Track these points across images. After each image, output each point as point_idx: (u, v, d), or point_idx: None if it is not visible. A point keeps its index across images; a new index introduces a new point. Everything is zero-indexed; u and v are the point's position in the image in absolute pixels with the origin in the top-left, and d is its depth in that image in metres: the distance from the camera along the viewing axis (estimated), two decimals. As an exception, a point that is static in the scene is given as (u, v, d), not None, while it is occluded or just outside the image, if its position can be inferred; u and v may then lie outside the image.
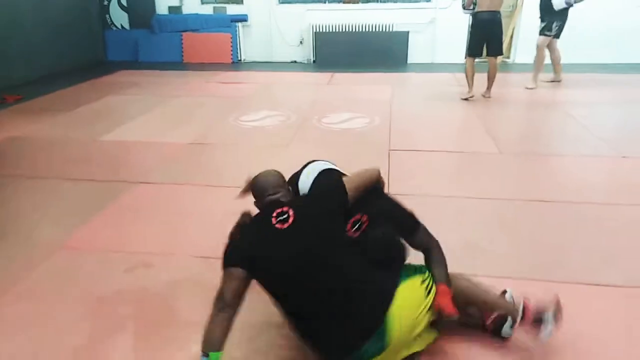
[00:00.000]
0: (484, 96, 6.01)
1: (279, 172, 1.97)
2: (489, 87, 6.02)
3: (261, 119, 5.32)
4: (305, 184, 2.00)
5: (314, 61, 9.12)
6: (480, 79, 5.94)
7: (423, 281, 1.76)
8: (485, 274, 2.22)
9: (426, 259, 1.90)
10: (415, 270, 1.81)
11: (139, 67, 8.64)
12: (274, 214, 1.74)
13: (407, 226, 1.91)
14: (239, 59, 9.24)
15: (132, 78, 7.63)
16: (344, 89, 6.91)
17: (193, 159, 4.15)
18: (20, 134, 4.79)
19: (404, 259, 1.89)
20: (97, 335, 2.02)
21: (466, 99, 5.93)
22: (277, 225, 1.71)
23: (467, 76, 5.91)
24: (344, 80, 7.49)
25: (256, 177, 1.93)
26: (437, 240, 1.93)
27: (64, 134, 4.84)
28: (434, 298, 1.72)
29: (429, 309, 1.70)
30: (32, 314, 2.16)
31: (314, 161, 2.13)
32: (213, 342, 1.61)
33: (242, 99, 6.23)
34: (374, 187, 1.92)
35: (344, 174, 2.01)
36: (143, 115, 5.48)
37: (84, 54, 8.86)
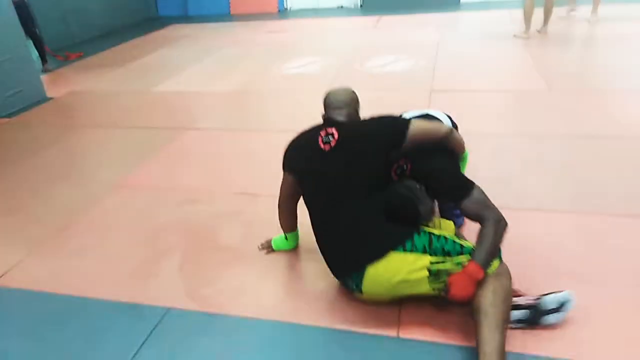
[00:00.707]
0: (538, 32, 5.65)
1: (351, 91, 1.97)
2: (545, 22, 5.63)
3: (304, 65, 5.36)
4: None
5: (361, 5, 8.87)
6: (538, 14, 5.58)
7: (431, 264, 1.62)
8: (510, 206, 2.24)
9: (478, 234, 1.67)
10: (435, 250, 1.64)
11: (188, 21, 8.82)
12: (322, 134, 1.82)
13: (455, 191, 1.73)
14: (285, 7, 9.16)
15: (182, 32, 7.84)
16: (389, 32, 6.74)
17: (238, 105, 4.31)
18: (82, 88, 5.15)
19: (415, 224, 1.72)
20: (151, 258, 2.27)
21: (520, 38, 5.61)
22: (322, 146, 1.80)
23: (524, 14, 5.54)
24: (391, 24, 7.27)
25: (329, 91, 1.99)
26: (495, 214, 1.67)
27: (121, 86, 5.15)
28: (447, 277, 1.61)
29: (414, 286, 1.65)
30: (95, 242, 2.45)
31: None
32: (284, 227, 2.14)
33: (287, 47, 6.26)
34: (441, 143, 1.84)
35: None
36: (192, 66, 5.67)
37: (137, 11, 9.14)
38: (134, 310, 1.95)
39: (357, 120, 1.94)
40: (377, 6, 8.45)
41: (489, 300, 1.54)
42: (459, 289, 1.58)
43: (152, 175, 3.12)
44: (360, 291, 1.73)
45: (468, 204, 1.69)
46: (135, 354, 1.74)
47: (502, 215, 1.68)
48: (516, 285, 1.73)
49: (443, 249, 1.65)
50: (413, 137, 1.77)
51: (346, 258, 1.74)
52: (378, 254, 1.64)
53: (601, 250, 2.07)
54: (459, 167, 1.95)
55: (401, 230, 1.67)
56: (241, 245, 2.30)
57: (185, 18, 9.18)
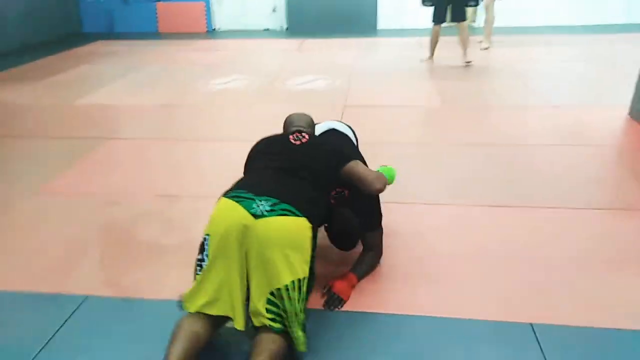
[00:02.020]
0: (466, 63, 6.02)
1: (309, 116, 2.27)
2: (464, 53, 6.03)
3: (229, 82, 5.63)
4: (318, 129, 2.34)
5: (286, 29, 9.33)
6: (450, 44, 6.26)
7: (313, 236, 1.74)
8: (397, 200, 2.65)
9: (360, 254, 2.16)
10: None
11: (114, 38, 8.81)
12: (294, 134, 2.03)
13: (369, 224, 2.11)
14: (213, 27, 9.42)
15: (107, 48, 7.83)
16: (311, 55, 7.21)
17: (162, 118, 4.48)
18: (5, 98, 5.06)
19: (350, 246, 2.15)
20: (71, 253, 2.40)
21: (425, 62, 6.27)
22: (292, 140, 1.99)
23: (431, 42, 6.16)
24: (313, 47, 7.76)
25: (291, 114, 2.28)
26: (380, 252, 2.19)
27: (40, 100, 5.12)
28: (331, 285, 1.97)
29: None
30: (14, 242, 2.53)
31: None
32: None
33: (213, 66, 6.51)
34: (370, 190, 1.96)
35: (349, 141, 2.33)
36: (116, 82, 5.75)
37: (59, 26, 8.98)
38: (51, 300, 2.07)
39: (319, 136, 2.24)
40: (301, 30, 8.94)
41: (278, 344, 1.59)
42: (341, 290, 2.02)
43: (73, 181, 3.21)
44: (261, 216, 1.62)
45: (372, 236, 2.15)
46: (49, 340, 1.83)
47: (382, 253, 2.21)
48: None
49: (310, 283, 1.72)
50: (349, 171, 1.92)
51: (270, 187, 1.75)
52: (299, 206, 1.67)
53: (467, 232, 2.50)
54: (379, 206, 2.22)
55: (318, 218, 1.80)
56: (161, 241, 2.49)
57: (111, 35, 9.14)
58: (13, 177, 3.30)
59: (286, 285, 1.60)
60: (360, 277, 2.12)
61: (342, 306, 1.99)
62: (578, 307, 1.96)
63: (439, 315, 1.93)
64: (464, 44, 6.01)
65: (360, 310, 1.97)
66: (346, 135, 2.37)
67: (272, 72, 6.04)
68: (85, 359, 1.74)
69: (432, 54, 6.24)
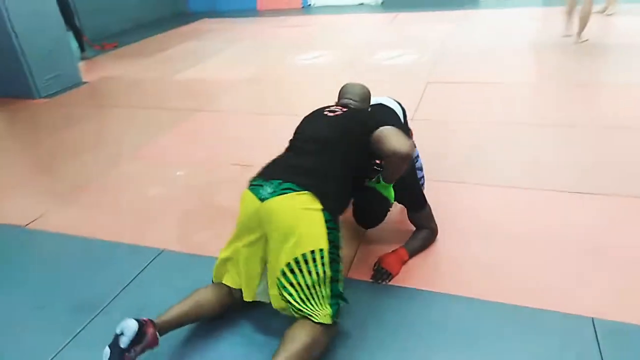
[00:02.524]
0: (580, 41, 5.23)
1: (364, 88, 2.23)
2: (580, 30, 5.17)
3: (317, 57, 5.71)
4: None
5: (382, 3, 9.14)
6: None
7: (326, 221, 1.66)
8: (463, 180, 2.54)
9: (414, 232, 2.15)
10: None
11: (216, 16, 9.31)
12: (329, 107, 2.06)
13: (415, 204, 2.13)
14: (308, 4, 9.53)
15: (209, 26, 8.33)
16: (403, 29, 7.00)
17: (248, 92, 4.71)
18: (113, 74, 5.68)
19: (379, 221, 1.99)
20: (151, 215, 2.68)
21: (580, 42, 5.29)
22: (326, 112, 2.01)
23: (582, 17, 5.14)
24: (407, 20, 7.52)
25: (347, 83, 2.26)
26: (434, 231, 2.16)
27: (148, 73, 5.65)
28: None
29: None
30: (109, 199, 2.89)
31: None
32: None
33: (302, 41, 6.63)
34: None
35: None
36: (213, 57, 6.12)
37: (168, 6, 9.72)
38: (131, 250, 2.35)
39: (360, 110, 2.12)
40: (398, 4, 8.69)
41: (298, 341, 1.51)
42: (390, 264, 2.03)
43: (163, 148, 3.54)
44: (265, 198, 1.66)
45: (420, 216, 2.15)
46: (125, 287, 2.10)
47: (436, 228, 2.18)
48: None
49: (333, 261, 1.65)
50: (377, 135, 1.82)
51: (283, 170, 1.77)
52: (301, 181, 1.66)
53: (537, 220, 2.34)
54: (417, 186, 2.20)
55: (334, 202, 1.72)
56: (230, 205, 2.67)
57: (214, 13, 9.68)
58: (114, 143, 3.73)
59: (295, 258, 1.59)
60: (411, 254, 2.10)
61: (389, 280, 2.00)
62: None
63: (488, 299, 1.86)
64: (584, 19, 5.12)
65: (408, 285, 1.97)
66: (392, 110, 2.32)
67: (359, 46, 6.00)
68: (153, 308, 1.95)
69: (569, 24, 5.40)
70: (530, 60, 4.91)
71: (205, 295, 1.75)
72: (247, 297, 1.76)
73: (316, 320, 1.57)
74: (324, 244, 1.61)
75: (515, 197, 2.54)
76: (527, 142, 3.14)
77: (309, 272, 1.59)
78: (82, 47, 6.59)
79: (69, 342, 1.82)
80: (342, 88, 2.28)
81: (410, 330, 1.75)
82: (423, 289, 1.95)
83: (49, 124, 4.25)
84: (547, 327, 1.71)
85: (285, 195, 1.63)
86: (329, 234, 1.63)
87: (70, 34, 6.39)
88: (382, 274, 2.02)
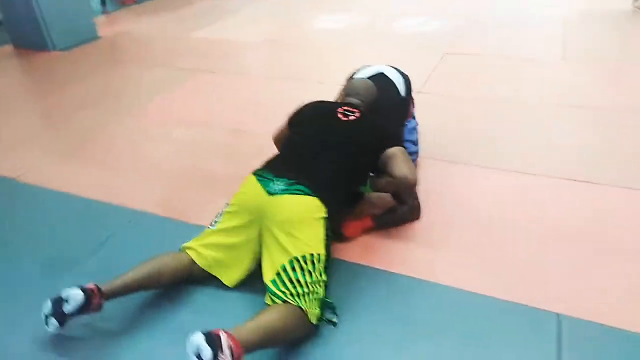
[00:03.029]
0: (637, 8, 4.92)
1: (370, 85, 2.14)
2: None
3: (336, 20, 5.49)
4: (363, 74, 2.29)
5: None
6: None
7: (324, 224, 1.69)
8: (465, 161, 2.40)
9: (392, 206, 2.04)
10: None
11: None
12: (341, 109, 1.98)
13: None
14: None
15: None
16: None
17: (259, 54, 4.59)
18: (130, 30, 5.63)
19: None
20: (137, 175, 2.66)
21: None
22: (340, 116, 1.95)
23: None
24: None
25: (354, 78, 2.21)
26: (414, 206, 2.06)
27: (161, 30, 5.57)
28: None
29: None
30: (91, 156, 2.88)
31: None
32: None
33: (325, 3, 6.37)
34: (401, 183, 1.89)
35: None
36: (232, 16, 5.97)
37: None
38: (110, 210, 2.35)
39: (374, 117, 2.04)
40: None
41: (277, 321, 1.47)
42: (347, 227, 1.98)
43: (161, 108, 3.49)
44: (275, 194, 1.69)
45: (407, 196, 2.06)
46: (109, 238, 2.12)
47: (418, 206, 2.09)
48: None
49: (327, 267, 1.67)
50: (387, 157, 1.87)
51: (297, 170, 1.77)
52: (313, 186, 1.69)
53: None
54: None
55: (337, 204, 1.76)
56: (218, 170, 2.63)
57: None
58: (116, 100, 3.71)
59: (291, 260, 1.59)
60: (379, 224, 2.03)
61: (339, 240, 1.94)
62: (622, 306, 1.65)
63: (454, 286, 1.77)
64: None
65: (375, 266, 1.89)
66: (392, 84, 2.20)
67: (383, 10, 5.73)
68: (122, 270, 1.92)
69: None
70: (572, 33, 4.53)
71: (166, 264, 1.72)
72: (227, 282, 1.77)
73: (304, 311, 1.53)
74: (322, 250, 1.66)
75: (516, 183, 2.38)
76: (543, 124, 2.93)
77: (310, 273, 1.59)
78: (103, 2, 6.54)
79: (33, 297, 1.83)
80: (348, 83, 2.21)
81: (384, 314, 1.69)
82: (396, 272, 1.86)
83: (58, 77, 4.26)
84: (513, 320, 1.62)
85: (296, 195, 1.67)
86: (326, 242, 1.68)
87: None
88: (336, 235, 1.94)
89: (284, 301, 1.53)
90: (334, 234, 1.83)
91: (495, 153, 2.64)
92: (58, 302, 1.50)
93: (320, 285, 1.61)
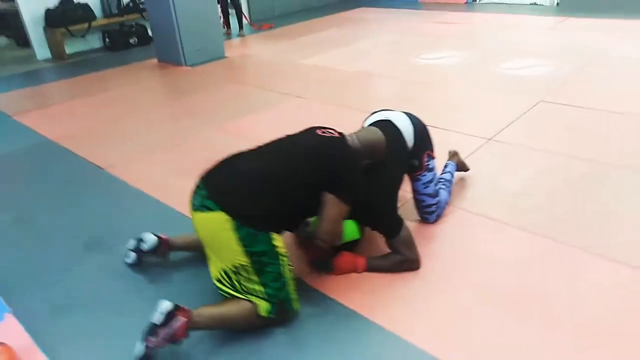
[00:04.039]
0: None
1: (381, 138, 2.01)
2: None
3: (442, 57, 5.44)
4: (370, 119, 2.30)
5: (557, 4, 8.08)
6: None
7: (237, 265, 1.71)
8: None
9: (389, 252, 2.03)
10: (256, 260, 1.70)
11: (377, 5, 9.36)
12: (323, 129, 1.95)
13: (387, 230, 1.99)
14: (474, 0, 8.95)
15: (364, 15, 8.48)
16: (562, 35, 6.15)
17: (349, 85, 4.76)
18: (250, 53, 6.31)
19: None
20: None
21: None
22: (317, 132, 1.93)
23: None
24: (573, 26, 6.56)
25: (369, 128, 2.12)
26: (412, 260, 2.00)
27: (278, 55, 6.10)
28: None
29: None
30: (171, 162, 3.32)
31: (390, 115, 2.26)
32: None
33: (441, 39, 6.33)
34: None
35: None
36: (345, 46, 6.27)
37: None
38: (169, 212, 2.72)
39: (354, 159, 1.91)
40: (575, 6, 7.59)
41: (226, 307, 1.73)
42: (338, 260, 2.02)
43: (248, 126, 3.85)
44: (194, 209, 1.76)
45: (394, 241, 2.00)
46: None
47: (417, 258, 2.03)
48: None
49: (263, 269, 1.70)
50: (323, 201, 1.78)
51: (216, 179, 1.79)
52: (220, 200, 1.69)
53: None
54: (395, 205, 2.07)
55: (262, 220, 1.70)
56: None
57: (377, 1, 9.74)
58: (211, 114, 4.20)
59: (224, 268, 1.74)
60: (370, 267, 2.03)
61: (325, 272, 2.01)
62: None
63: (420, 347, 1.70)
64: None
65: (369, 317, 1.84)
66: (399, 133, 2.15)
67: (494, 51, 5.50)
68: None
69: None
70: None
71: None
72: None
73: (254, 303, 1.72)
74: (243, 259, 1.69)
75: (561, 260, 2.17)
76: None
77: (245, 279, 1.73)
78: (240, 26, 7.39)
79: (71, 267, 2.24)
80: (366, 122, 2.29)
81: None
82: (384, 326, 1.79)
83: (181, 88, 5.00)
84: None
85: (202, 213, 1.71)
86: (246, 250, 1.67)
87: (233, 12, 7.25)
88: (323, 265, 2.02)
89: (234, 296, 1.74)
90: (325, 265, 1.96)
91: (586, 233, 2.25)
92: (138, 241, 2.09)
93: (261, 285, 1.71)
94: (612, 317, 1.76)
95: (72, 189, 3.02)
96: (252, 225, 1.67)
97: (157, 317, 1.59)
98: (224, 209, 1.66)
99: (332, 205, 1.77)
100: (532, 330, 1.72)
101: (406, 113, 2.29)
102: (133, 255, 2.13)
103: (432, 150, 2.30)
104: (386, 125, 2.15)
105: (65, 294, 2.07)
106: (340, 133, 1.97)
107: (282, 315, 1.77)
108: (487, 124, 3.49)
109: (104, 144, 3.67)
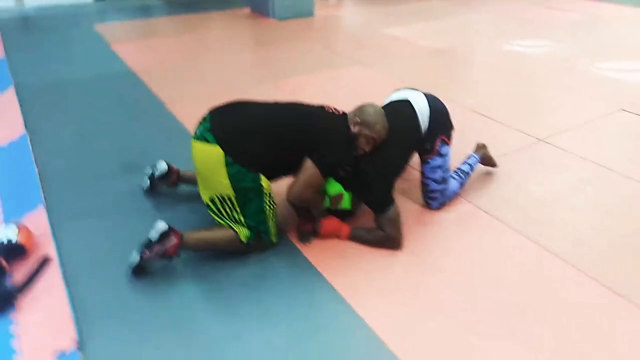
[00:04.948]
0: None
1: (384, 121, 2.02)
2: None
3: (532, 46, 5.03)
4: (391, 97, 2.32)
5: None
6: None
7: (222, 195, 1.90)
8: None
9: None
10: (241, 195, 1.88)
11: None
12: (332, 108, 2.06)
13: (376, 205, 2.02)
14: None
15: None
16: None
17: (421, 62, 4.60)
18: (341, 15, 6.36)
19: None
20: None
21: None
22: (325, 107, 2.05)
23: None
24: None
25: (376, 113, 2.04)
26: (394, 238, 2.02)
27: (361, 21, 6.06)
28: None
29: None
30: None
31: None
32: None
33: (541, 26, 5.83)
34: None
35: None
36: (432, 20, 6.02)
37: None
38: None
39: (342, 133, 1.97)
40: None
41: (212, 232, 1.95)
42: (326, 228, 2.08)
43: (303, 85, 3.94)
44: (194, 137, 1.93)
45: (381, 218, 2.02)
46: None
47: (399, 238, 2.04)
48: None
49: (246, 203, 1.89)
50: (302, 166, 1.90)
51: (222, 117, 1.94)
52: (219, 135, 1.84)
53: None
54: (390, 184, 2.06)
55: (251, 162, 1.85)
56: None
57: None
58: (273, 69, 4.32)
59: (211, 197, 1.92)
60: (352, 235, 2.07)
61: (309, 241, 2.08)
62: None
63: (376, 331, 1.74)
64: None
65: (318, 267, 1.95)
66: (414, 114, 2.12)
67: (596, 46, 4.97)
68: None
69: None
70: None
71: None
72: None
73: (235, 231, 1.92)
74: (229, 191, 1.87)
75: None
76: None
77: (230, 207, 1.92)
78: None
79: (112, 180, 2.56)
80: (386, 99, 2.32)
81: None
82: (338, 290, 1.83)
83: (260, 39, 5.22)
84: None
85: (201, 143, 1.88)
86: (233, 185, 1.85)
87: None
88: (307, 234, 2.09)
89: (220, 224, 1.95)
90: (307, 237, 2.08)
91: (599, 263, 2.02)
92: (153, 168, 2.34)
93: (243, 215, 1.90)
94: (582, 333, 1.67)
95: (131, 116, 3.36)
96: (243, 164, 1.84)
97: (153, 234, 1.83)
98: (221, 144, 1.83)
99: (306, 169, 1.89)
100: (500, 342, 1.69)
101: (427, 94, 2.24)
102: (147, 181, 2.38)
103: (448, 137, 2.24)
104: (403, 105, 2.15)
105: (90, 201, 2.38)
106: (343, 112, 2.06)
107: (259, 243, 1.97)
108: (547, 123, 3.24)
109: (172, 80, 3.98)
